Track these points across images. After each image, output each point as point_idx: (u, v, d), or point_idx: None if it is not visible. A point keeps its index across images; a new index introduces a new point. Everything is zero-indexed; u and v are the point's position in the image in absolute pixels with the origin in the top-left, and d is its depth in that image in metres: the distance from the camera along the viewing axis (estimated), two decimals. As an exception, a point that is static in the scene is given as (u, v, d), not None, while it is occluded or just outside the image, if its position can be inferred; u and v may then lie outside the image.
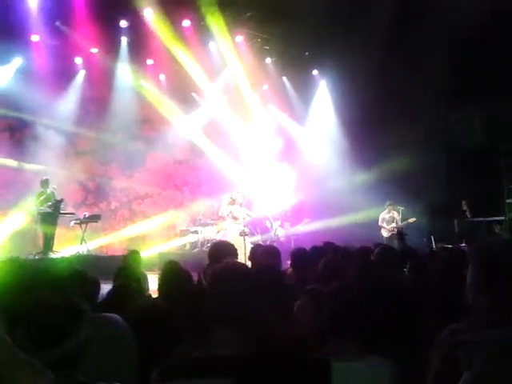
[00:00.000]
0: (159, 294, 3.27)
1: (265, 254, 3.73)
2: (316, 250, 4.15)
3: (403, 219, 10.96)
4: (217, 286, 1.70)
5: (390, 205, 11.11)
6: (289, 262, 5.68)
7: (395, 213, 11.03)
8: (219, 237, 10.05)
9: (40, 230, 9.69)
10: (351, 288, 2.22)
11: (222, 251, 3.22)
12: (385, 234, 11.05)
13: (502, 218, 11.32)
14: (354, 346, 2.03)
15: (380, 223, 11.13)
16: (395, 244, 10.09)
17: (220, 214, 10.21)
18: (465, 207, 11.68)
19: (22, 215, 10.33)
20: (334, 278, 2.42)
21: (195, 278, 3.41)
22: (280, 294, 2.18)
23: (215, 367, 1.45)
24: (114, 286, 3.13)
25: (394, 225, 10.95)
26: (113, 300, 2.89)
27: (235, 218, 9.60)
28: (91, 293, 2.79)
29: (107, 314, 2.36)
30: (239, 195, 9.93)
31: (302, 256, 3.72)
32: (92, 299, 2.73)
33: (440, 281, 3.00)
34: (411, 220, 10.77)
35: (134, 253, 4.52)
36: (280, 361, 1.33)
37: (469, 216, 11.65)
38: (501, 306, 1.73)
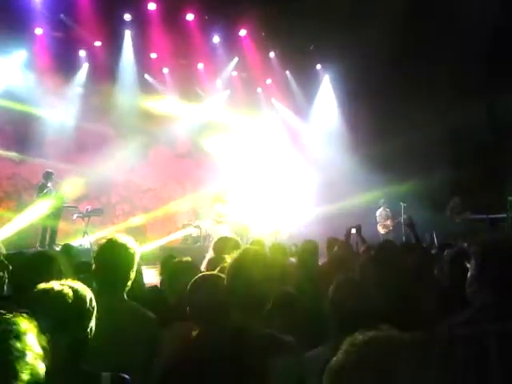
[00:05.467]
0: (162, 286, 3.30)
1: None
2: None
3: (395, 216, 11.40)
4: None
5: (383, 202, 11.65)
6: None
7: (388, 210, 11.61)
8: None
9: (42, 223, 9.70)
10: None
11: (226, 245, 3.29)
12: (381, 230, 11.52)
13: (504, 215, 11.25)
14: None
15: (378, 220, 11.63)
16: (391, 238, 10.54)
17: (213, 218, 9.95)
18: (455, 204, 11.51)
19: (25, 208, 10.33)
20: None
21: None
22: None
23: None
24: None
25: (389, 222, 11.49)
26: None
27: (219, 217, 9.41)
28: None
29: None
30: (224, 194, 9.72)
31: None
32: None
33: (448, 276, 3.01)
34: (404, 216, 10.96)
35: None
36: None
37: (456, 213, 11.50)
38: (500, 302, 1.74)
